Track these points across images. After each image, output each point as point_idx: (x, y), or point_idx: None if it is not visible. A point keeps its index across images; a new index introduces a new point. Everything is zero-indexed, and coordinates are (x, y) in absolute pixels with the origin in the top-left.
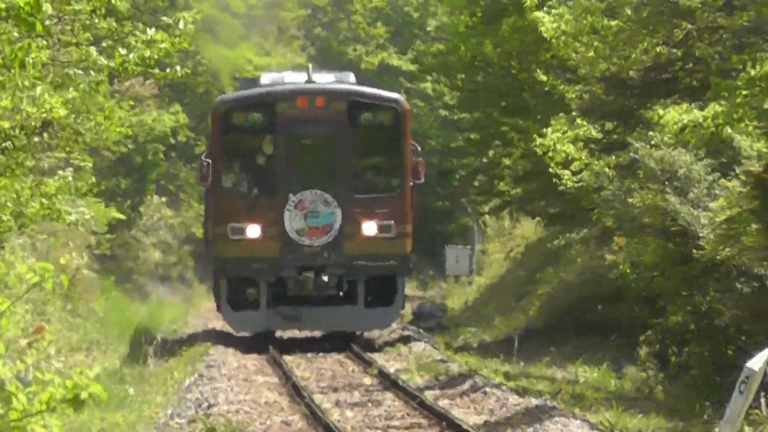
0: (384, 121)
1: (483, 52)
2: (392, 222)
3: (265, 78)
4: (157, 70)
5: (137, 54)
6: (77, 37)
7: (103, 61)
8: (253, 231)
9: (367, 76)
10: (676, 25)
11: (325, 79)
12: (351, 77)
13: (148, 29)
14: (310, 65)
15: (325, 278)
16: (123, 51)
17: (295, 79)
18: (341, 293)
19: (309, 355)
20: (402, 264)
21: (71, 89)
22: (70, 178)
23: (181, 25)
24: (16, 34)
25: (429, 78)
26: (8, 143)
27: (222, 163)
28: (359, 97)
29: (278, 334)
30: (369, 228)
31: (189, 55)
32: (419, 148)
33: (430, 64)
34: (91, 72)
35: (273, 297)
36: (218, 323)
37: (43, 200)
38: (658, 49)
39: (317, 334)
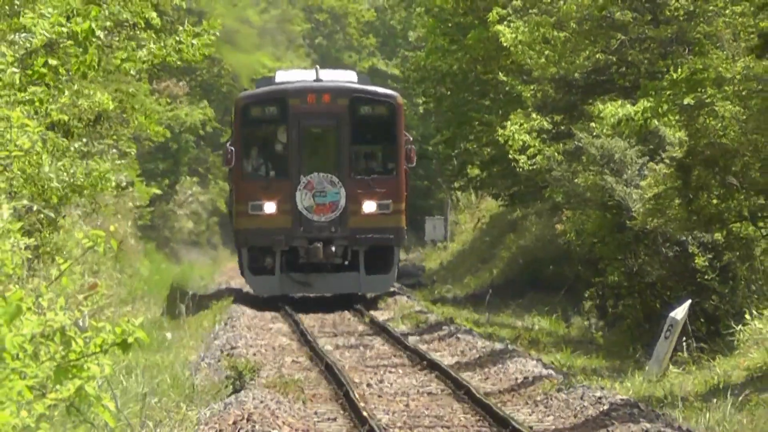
0: (381, 114)
1: (453, 63)
2: (389, 200)
3: (280, 76)
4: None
5: (173, 46)
6: (122, 43)
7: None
8: (270, 207)
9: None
10: (612, 36)
11: (331, 78)
12: (354, 76)
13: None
14: (318, 66)
15: (332, 249)
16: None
17: (305, 77)
18: (346, 262)
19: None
20: (398, 236)
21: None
22: (117, 161)
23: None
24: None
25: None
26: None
27: (243, 150)
28: (360, 93)
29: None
30: (369, 205)
31: (214, 62)
32: (410, 138)
33: (412, 77)
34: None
35: (287, 264)
36: (239, 281)
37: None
38: (597, 56)
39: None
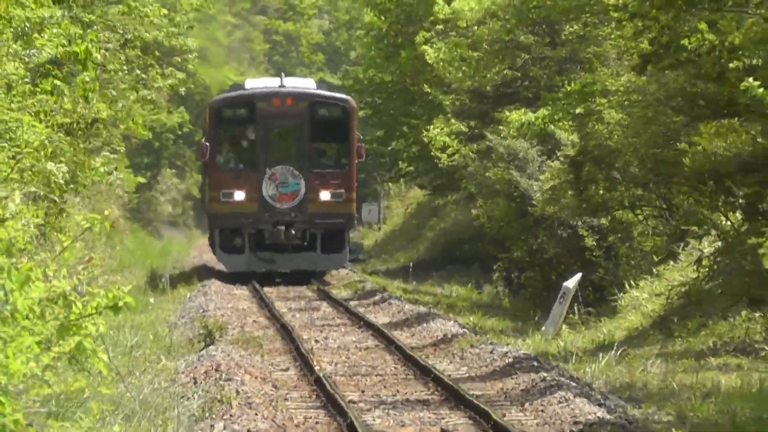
0: (336, 116)
1: (387, 75)
2: (342, 190)
3: (249, 83)
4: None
5: (160, 86)
6: (114, 63)
7: (134, 94)
8: (239, 195)
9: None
10: (517, 56)
11: (293, 84)
12: (313, 83)
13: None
14: (283, 74)
15: (293, 231)
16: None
17: (271, 84)
18: (305, 242)
19: (276, 280)
20: (349, 221)
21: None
22: (111, 156)
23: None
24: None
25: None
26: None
27: (216, 145)
28: (318, 98)
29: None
30: (325, 194)
31: (189, 75)
32: (361, 136)
33: (353, 87)
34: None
35: (254, 244)
36: (210, 256)
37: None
38: (505, 72)
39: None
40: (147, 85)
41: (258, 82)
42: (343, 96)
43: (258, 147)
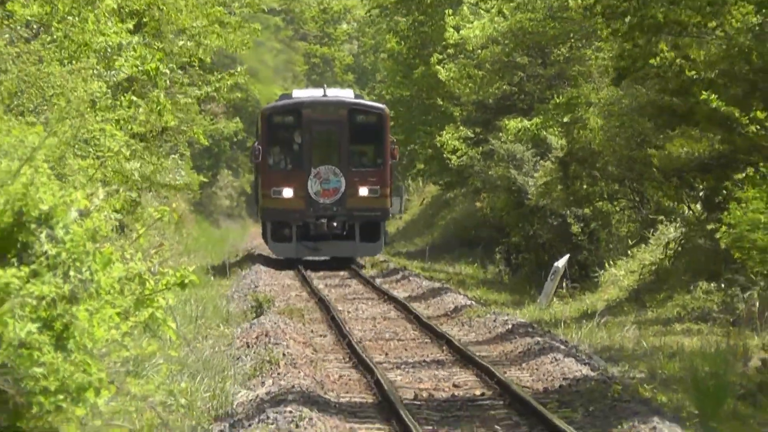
0: (373, 121)
1: (405, 91)
2: (378, 186)
3: (296, 93)
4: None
5: (213, 87)
6: (180, 81)
7: (196, 92)
8: (288, 192)
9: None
10: (514, 74)
11: (334, 94)
12: (352, 93)
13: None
14: (325, 85)
15: (334, 223)
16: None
17: (315, 94)
18: (345, 233)
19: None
20: (384, 214)
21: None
22: (179, 161)
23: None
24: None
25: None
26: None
27: (268, 148)
28: (357, 106)
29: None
30: (363, 191)
31: (243, 90)
32: (395, 139)
33: (378, 101)
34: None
35: (300, 234)
36: (260, 242)
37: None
38: (504, 87)
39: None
40: (207, 95)
41: (304, 93)
42: (379, 104)
43: (304, 149)
